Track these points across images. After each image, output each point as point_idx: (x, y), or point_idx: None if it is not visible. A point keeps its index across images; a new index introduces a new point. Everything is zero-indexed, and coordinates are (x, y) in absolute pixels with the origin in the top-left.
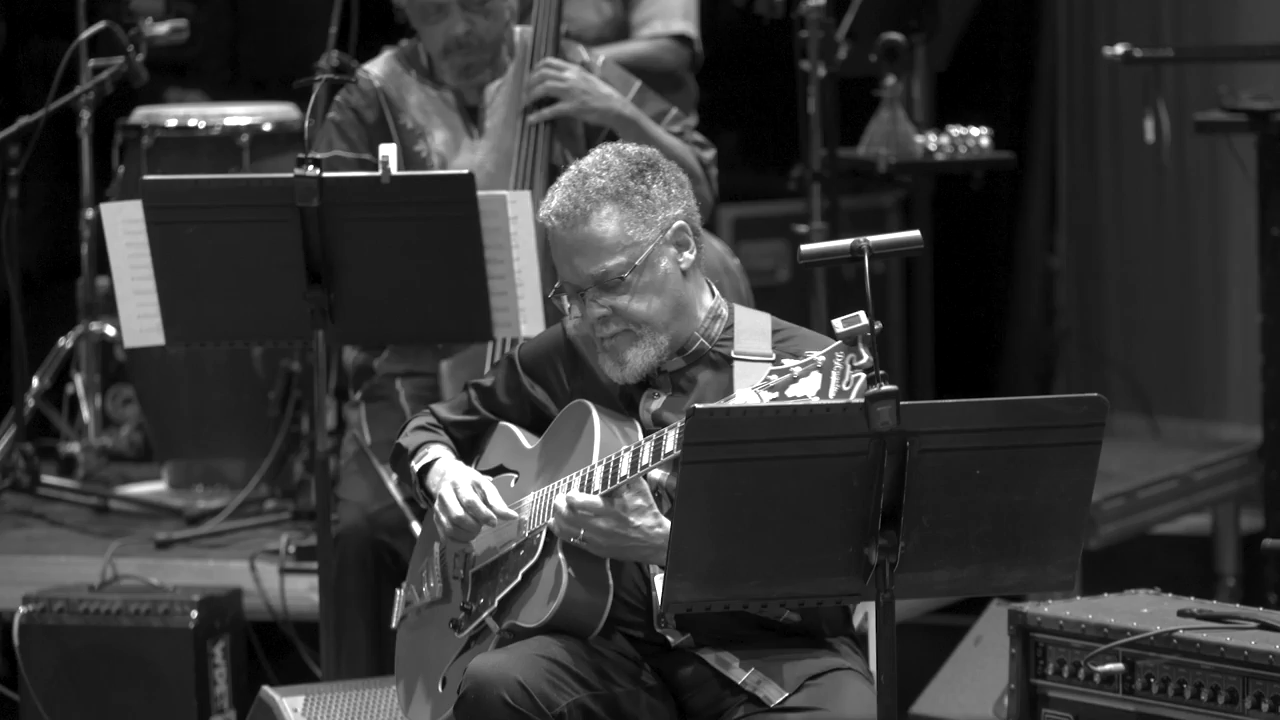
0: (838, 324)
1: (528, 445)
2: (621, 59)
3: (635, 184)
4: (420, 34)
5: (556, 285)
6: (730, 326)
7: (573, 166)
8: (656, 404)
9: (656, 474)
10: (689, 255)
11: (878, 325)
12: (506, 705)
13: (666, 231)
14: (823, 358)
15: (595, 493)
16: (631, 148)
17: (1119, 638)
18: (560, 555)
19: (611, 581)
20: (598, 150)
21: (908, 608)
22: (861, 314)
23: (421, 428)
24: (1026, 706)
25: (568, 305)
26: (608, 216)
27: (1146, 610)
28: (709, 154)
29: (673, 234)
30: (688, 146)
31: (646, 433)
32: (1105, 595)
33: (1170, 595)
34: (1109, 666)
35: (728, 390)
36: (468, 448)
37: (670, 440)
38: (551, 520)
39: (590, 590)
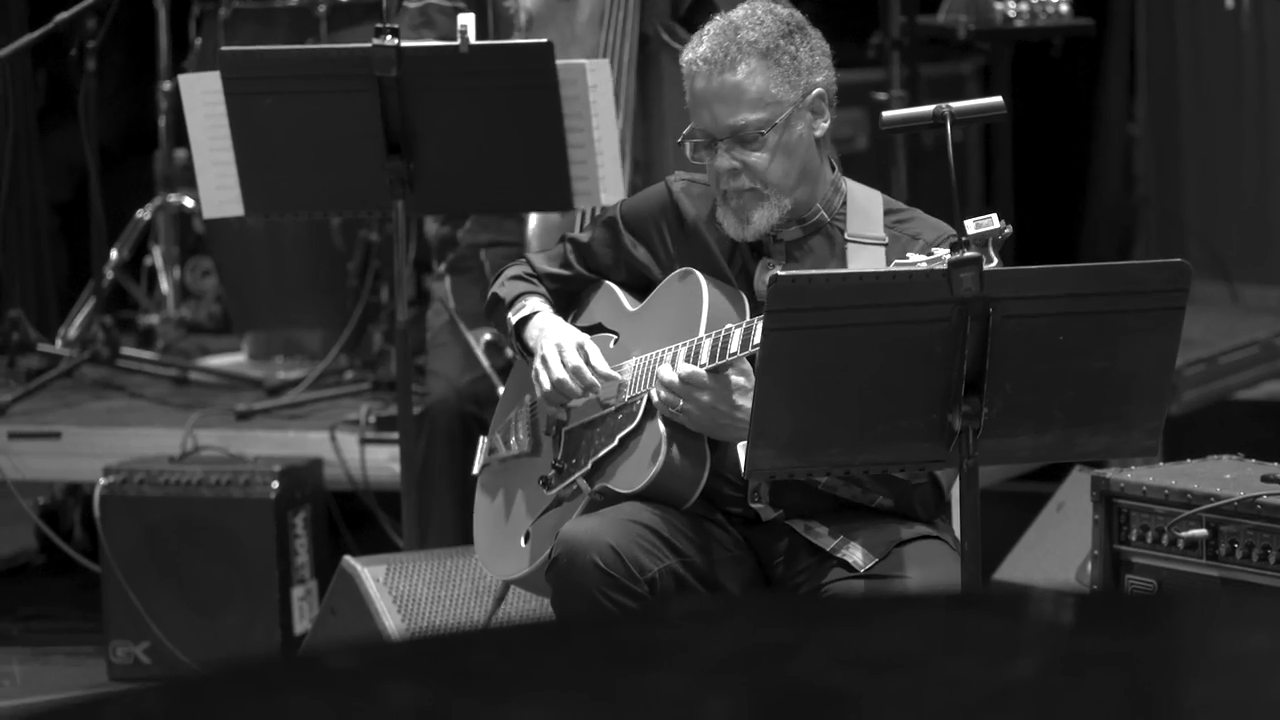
0: (969, 225)
1: (630, 308)
2: None
3: (785, 43)
4: None
5: (686, 132)
6: (846, 202)
7: (720, 17)
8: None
9: None
10: (823, 124)
11: (1009, 229)
12: (598, 569)
13: (807, 96)
14: (948, 253)
15: (702, 366)
16: (782, 9)
17: (1202, 503)
18: (660, 423)
19: (709, 453)
20: (747, 5)
21: (990, 474)
22: (995, 216)
23: (518, 277)
24: (1110, 572)
25: (689, 150)
26: (755, 70)
27: (1229, 476)
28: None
29: (812, 99)
30: None
31: (759, 303)
32: (1188, 461)
33: (1253, 461)
34: (1192, 532)
35: (840, 264)
36: (563, 303)
37: None
38: (652, 390)
39: (688, 460)
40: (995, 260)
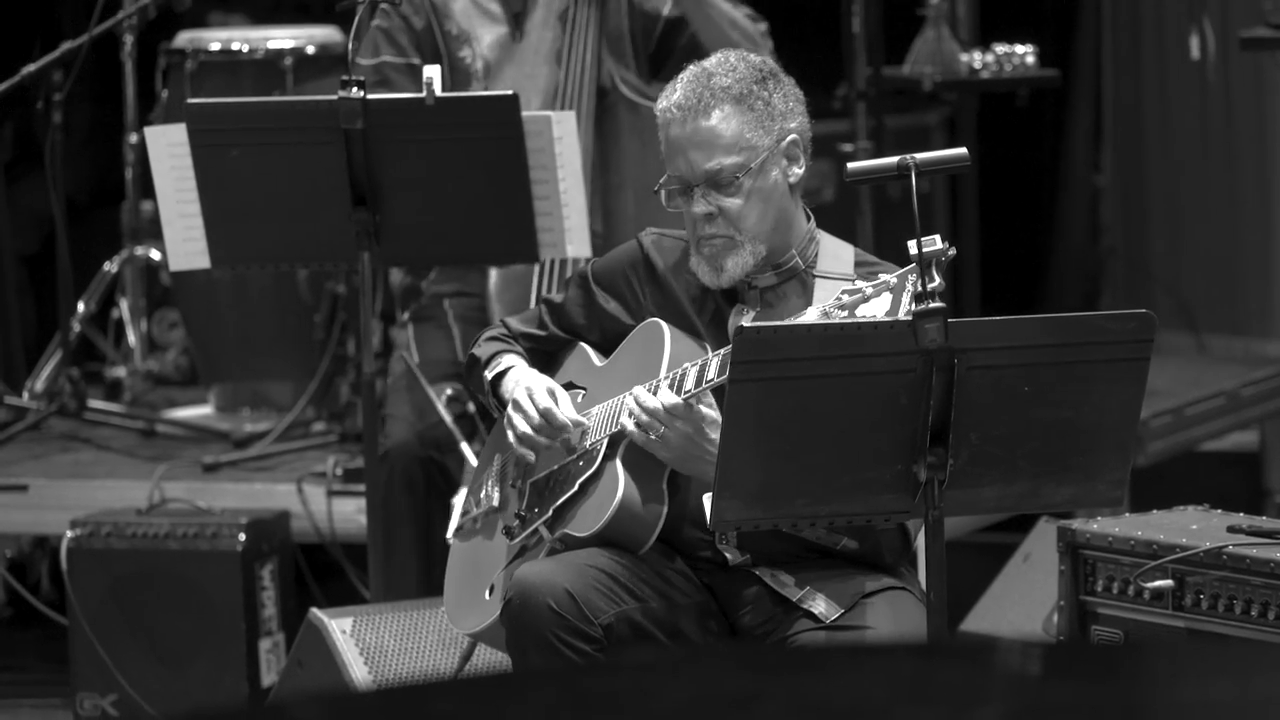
0: (912, 246)
1: (598, 363)
2: None
3: (759, 89)
4: None
5: (663, 180)
6: (819, 252)
7: (694, 66)
8: (746, 320)
9: None
10: (797, 170)
11: (952, 251)
12: (552, 612)
13: (781, 142)
14: (895, 279)
15: (686, 393)
16: (754, 57)
17: (1168, 554)
18: (619, 465)
19: (666, 496)
20: (721, 54)
21: (956, 525)
22: (938, 237)
23: (494, 338)
24: (1076, 623)
25: (664, 197)
26: (729, 115)
27: (1195, 526)
28: (763, 25)
29: (786, 145)
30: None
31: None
32: (1154, 512)
33: (1219, 511)
34: (1158, 583)
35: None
36: (540, 362)
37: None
38: (626, 420)
39: (645, 503)
40: (938, 281)
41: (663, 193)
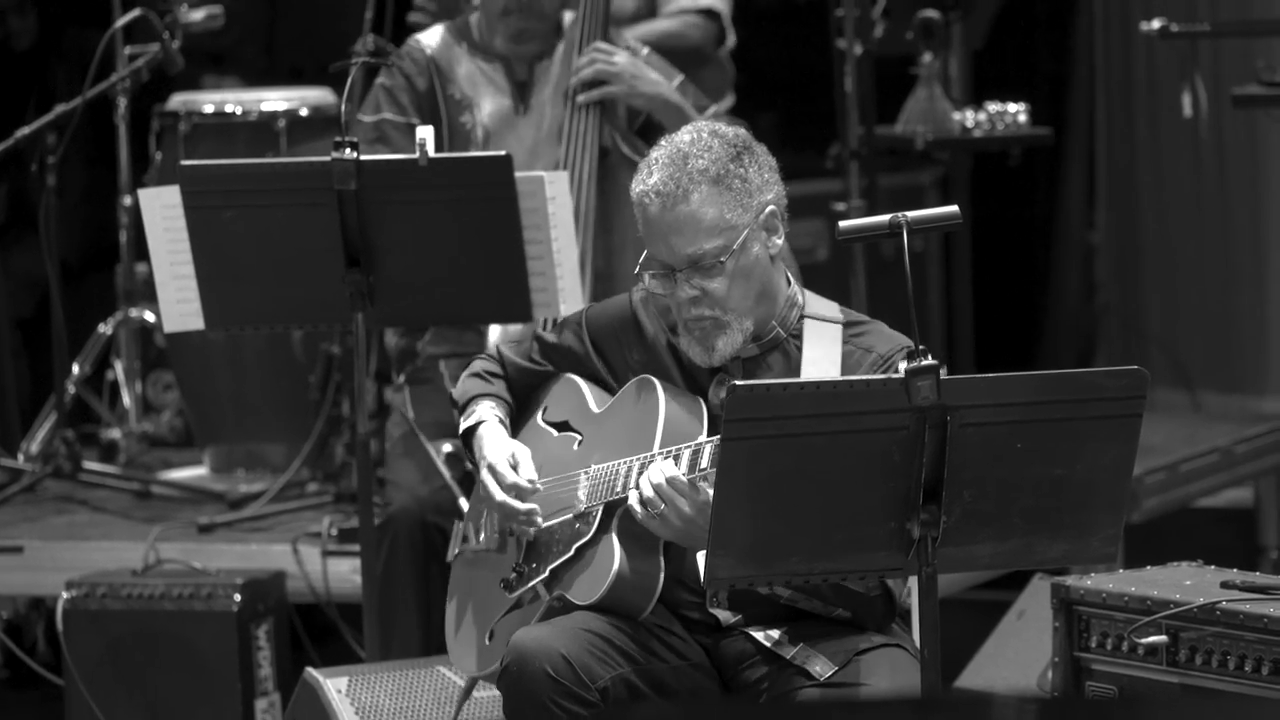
0: (904, 367)
1: (594, 408)
2: (649, 36)
3: (735, 167)
4: None
5: (642, 262)
6: (804, 317)
7: (667, 144)
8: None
9: None
10: (777, 240)
11: (943, 370)
12: (549, 677)
13: (760, 216)
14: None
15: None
16: (728, 129)
17: (1162, 610)
18: (615, 536)
19: (663, 565)
20: (692, 129)
21: (950, 583)
22: (929, 354)
23: (477, 375)
24: (1070, 679)
25: (648, 281)
26: (707, 198)
27: (1189, 582)
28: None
29: (765, 218)
30: None
31: (714, 418)
32: (1148, 568)
33: (1213, 567)
34: (1152, 639)
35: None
36: (524, 395)
37: None
38: (632, 493)
39: (641, 573)
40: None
41: (645, 277)
